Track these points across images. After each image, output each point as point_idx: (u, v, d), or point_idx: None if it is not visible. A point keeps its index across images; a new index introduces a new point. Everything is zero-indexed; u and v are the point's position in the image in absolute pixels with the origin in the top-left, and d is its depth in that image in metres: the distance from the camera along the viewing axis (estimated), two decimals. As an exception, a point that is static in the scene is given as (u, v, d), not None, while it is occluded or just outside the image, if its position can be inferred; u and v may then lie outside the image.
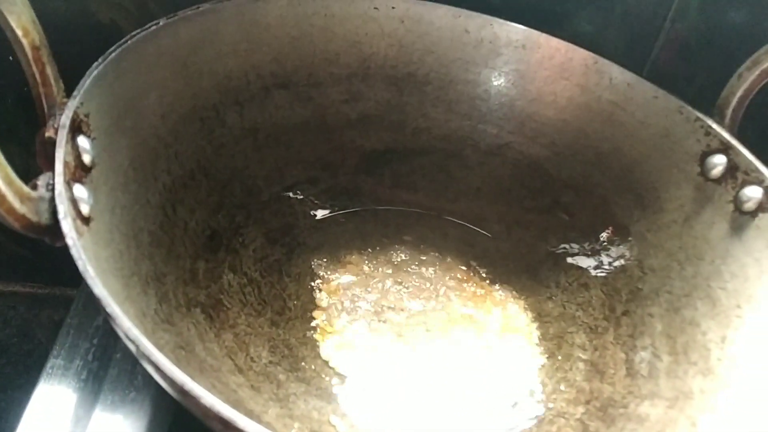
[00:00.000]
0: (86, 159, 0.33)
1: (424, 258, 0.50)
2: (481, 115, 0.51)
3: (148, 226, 0.38)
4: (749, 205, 0.41)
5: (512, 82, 0.50)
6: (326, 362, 0.42)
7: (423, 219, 0.52)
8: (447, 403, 0.42)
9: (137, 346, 0.25)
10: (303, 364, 0.42)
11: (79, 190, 0.31)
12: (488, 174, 0.52)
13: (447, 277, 0.49)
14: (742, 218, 0.41)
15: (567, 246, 0.49)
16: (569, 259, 0.49)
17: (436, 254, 0.50)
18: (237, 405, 0.33)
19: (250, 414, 0.34)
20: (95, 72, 0.35)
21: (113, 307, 0.26)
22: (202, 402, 0.24)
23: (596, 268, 0.48)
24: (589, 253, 0.48)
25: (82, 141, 0.33)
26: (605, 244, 0.48)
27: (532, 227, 0.51)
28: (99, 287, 0.27)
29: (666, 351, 0.42)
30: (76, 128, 0.32)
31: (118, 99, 0.37)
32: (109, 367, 0.42)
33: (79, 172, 0.32)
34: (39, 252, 0.62)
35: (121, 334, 0.26)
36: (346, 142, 0.51)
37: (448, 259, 0.50)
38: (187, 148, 0.43)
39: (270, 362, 0.40)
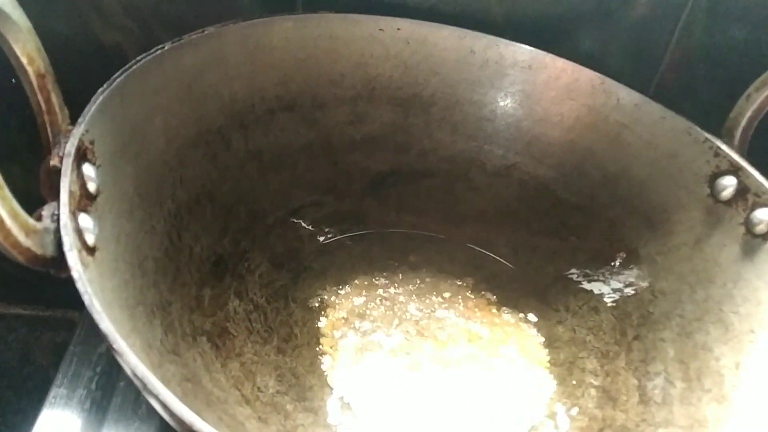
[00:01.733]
0: (91, 187, 0.32)
1: (431, 281, 0.49)
2: (487, 136, 0.51)
3: (153, 254, 0.37)
4: (761, 228, 0.41)
5: (518, 103, 0.50)
6: (334, 390, 0.42)
7: (429, 242, 0.52)
8: (457, 430, 0.41)
9: (144, 384, 0.25)
10: (310, 393, 0.41)
11: (85, 220, 0.31)
12: (495, 196, 0.52)
13: (454, 301, 0.49)
14: (753, 241, 0.41)
15: (575, 269, 0.49)
16: (578, 283, 0.48)
17: (443, 277, 0.50)
18: (245, 438, 0.33)
19: (258, 447, 0.34)
20: (100, 98, 0.35)
21: (120, 342, 0.26)
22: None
23: (606, 291, 0.47)
24: (599, 276, 0.48)
25: (87, 169, 0.32)
26: (615, 267, 0.48)
27: (539, 250, 0.51)
28: (105, 322, 0.26)
29: (679, 377, 0.41)
30: (81, 156, 0.32)
31: (123, 125, 0.37)
32: (113, 395, 0.41)
33: (84, 200, 0.32)
34: (39, 275, 0.61)
35: (128, 371, 0.26)
36: (351, 164, 0.51)
37: (456, 282, 0.50)
38: (192, 172, 0.42)
39: (277, 392, 0.40)
